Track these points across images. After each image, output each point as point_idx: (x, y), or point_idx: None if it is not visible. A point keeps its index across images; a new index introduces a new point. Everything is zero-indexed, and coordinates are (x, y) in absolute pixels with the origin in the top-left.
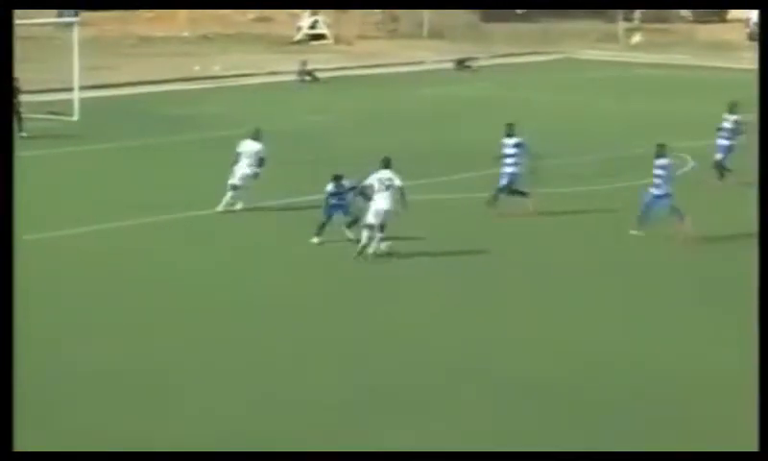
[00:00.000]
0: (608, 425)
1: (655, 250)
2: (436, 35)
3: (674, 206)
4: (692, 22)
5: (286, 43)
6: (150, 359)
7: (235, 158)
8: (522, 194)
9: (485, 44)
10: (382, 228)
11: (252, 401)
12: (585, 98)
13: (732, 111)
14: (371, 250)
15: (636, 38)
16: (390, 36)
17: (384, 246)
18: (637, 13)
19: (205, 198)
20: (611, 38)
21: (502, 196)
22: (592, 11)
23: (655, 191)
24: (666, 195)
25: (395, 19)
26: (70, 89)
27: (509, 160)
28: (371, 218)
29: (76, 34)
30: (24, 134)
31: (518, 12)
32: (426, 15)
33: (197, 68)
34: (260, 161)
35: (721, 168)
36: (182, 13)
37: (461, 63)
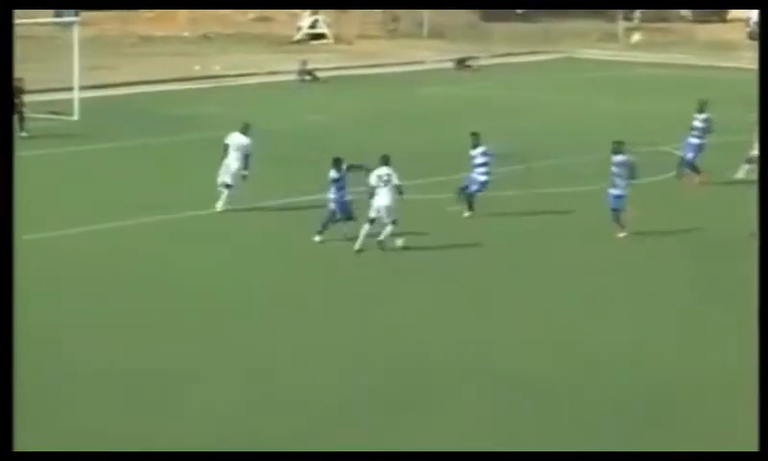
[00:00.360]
0: (608, 425)
1: (655, 250)
2: (436, 34)
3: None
4: (692, 22)
5: (286, 43)
6: (150, 359)
7: (223, 151)
8: (470, 200)
9: (485, 44)
10: (395, 222)
11: (253, 401)
12: (585, 98)
13: (701, 110)
14: (381, 237)
15: (636, 38)
16: (390, 36)
17: (400, 242)
18: (637, 13)
19: (206, 197)
20: (611, 38)
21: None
22: (592, 10)
23: (613, 191)
24: (619, 196)
25: (395, 19)
26: (70, 89)
27: (479, 170)
28: (372, 213)
29: (76, 33)
30: (24, 134)
31: (518, 11)
32: (426, 15)
33: (197, 68)
34: (246, 158)
35: (691, 167)
36: (183, 13)
37: (461, 63)
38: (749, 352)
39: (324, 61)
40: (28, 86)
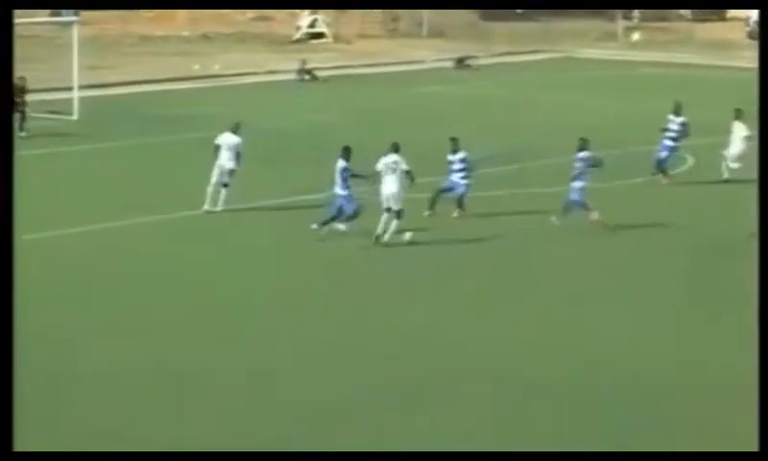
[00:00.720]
0: (608, 425)
1: (655, 249)
2: (435, 33)
3: (585, 199)
4: (691, 21)
5: (286, 42)
6: (150, 359)
7: (215, 152)
8: (460, 202)
9: (484, 43)
10: (398, 214)
11: (253, 401)
12: (584, 97)
13: (677, 113)
14: (386, 237)
15: (635, 37)
16: (389, 35)
17: (407, 236)
18: (637, 12)
19: (205, 197)
20: (610, 37)
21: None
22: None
23: (576, 184)
24: (583, 188)
25: (394, 18)
26: (70, 89)
27: (459, 175)
28: (384, 202)
29: (76, 33)
30: (23, 134)
31: (518, 11)
32: (426, 14)
33: (197, 67)
34: (238, 156)
35: (661, 168)
36: (182, 13)
37: (460, 62)
38: (749, 353)
39: (323, 61)
40: (27, 86)
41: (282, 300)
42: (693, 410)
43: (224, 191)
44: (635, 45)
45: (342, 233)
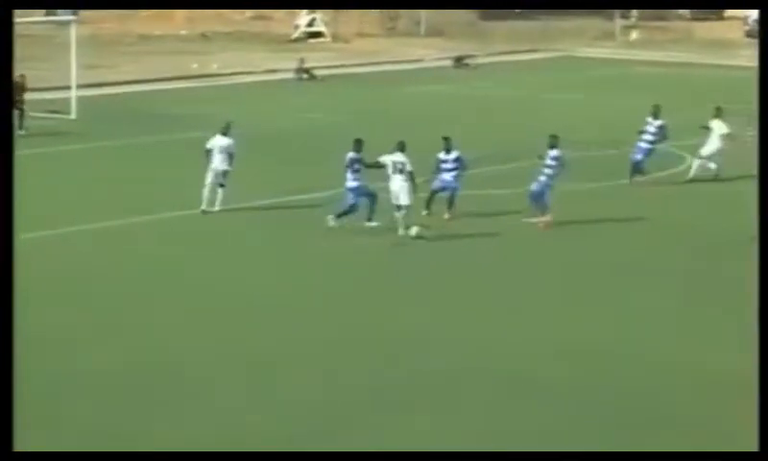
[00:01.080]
0: (608, 425)
1: (654, 249)
2: (434, 32)
3: (548, 198)
4: (690, 20)
5: (284, 41)
6: (150, 359)
7: (208, 156)
8: (428, 207)
9: (483, 42)
10: (399, 208)
11: (253, 401)
12: (582, 96)
13: (656, 116)
14: (400, 232)
15: (634, 36)
16: (388, 34)
17: (414, 231)
18: (635, 11)
19: (202, 199)
20: (608, 36)
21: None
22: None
23: (542, 179)
24: (549, 185)
25: (393, 17)
26: (68, 88)
27: (451, 174)
28: (393, 199)
29: (73, 32)
30: (22, 132)
31: (516, 10)
32: (424, 13)
33: (195, 66)
34: (230, 157)
35: (637, 169)
36: (180, 12)
37: (459, 61)
38: (749, 353)
39: (321, 60)
40: (26, 84)
41: (282, 300)
42: (693, 410)
43: (220, 191)
44: (633, 44)
45: (340, 232)
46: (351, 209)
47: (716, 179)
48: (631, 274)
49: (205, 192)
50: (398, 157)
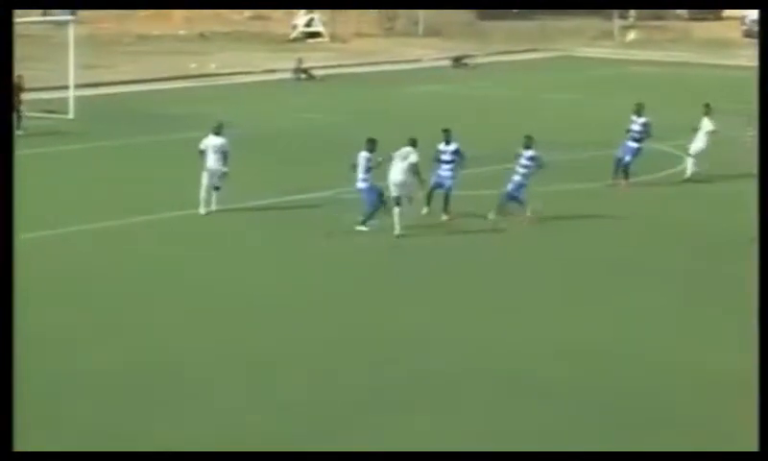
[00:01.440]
0: (608, 425)
1: (655, 249)
2: (432, 32)
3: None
4: (688, 20)
5: (282, 41)
6: (150, 359)
7: (202, 157)
8: (428, 204)
9: (481, 42)
10: (397, 201)
11: (252, 401)
12: (581, 95)
13: (639, 114)
14: (397, 231)
15: (632, 36)
16: (386, 34)
17: (397, 229)
18: (633, 11)
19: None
20: (607, 36)
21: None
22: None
23: (516, 178)
24: (524, 185)
25: (391, 17)
26: (66, 87)
27: (446, 167)
28: (392, 190)
29: (72, 32)
30: (20, 133)
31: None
32: (422, 13)
33: (193, 66)
34: (225, 156)
35: (623, 170)
36: (179, 12)
37: (457, 61)
38: (749, 353)
39: (319, 60)
40: (24, 84)
41: (281, 300)
42: (693, 410)
43: (215, 193)
44: (631, 44)
45: (340, 232)
46: (375, 207)
47: (706, 179)
48: (631, 274)
49: (202, 193)
50: (406, 149)
